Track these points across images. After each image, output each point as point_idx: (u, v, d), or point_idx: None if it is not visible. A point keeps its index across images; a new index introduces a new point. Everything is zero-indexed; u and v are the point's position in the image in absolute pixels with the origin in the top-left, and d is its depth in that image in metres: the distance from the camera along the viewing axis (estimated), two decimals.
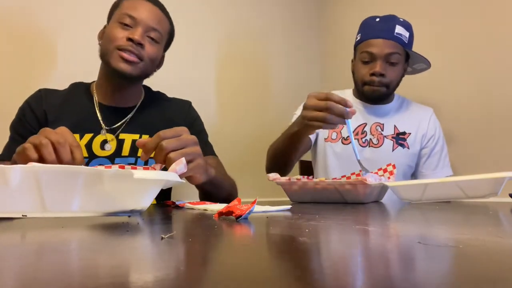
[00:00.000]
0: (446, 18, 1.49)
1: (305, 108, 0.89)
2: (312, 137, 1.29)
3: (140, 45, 0.93)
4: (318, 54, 2.04)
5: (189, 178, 0.70)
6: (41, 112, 0.98)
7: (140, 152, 0.98)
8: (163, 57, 1.05)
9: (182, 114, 1.08)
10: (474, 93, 1.39)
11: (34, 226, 0.40)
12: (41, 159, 0.62)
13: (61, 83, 1.08)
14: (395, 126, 1.27)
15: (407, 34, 1.21)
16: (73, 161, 0.63)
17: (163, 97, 1.11)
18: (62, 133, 0.65)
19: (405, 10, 1.57)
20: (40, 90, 1.02)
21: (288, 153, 1.10)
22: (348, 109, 0.83)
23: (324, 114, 0.85)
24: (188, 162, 0.66)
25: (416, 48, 1.24)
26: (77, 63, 1.40)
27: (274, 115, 1.82)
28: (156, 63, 1.01)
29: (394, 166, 0.89)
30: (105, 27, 1.01)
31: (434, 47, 1.48)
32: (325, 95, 0.86)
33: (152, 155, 0.66)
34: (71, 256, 0.26)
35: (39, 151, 0.62)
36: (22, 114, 0.99)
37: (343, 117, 0.84)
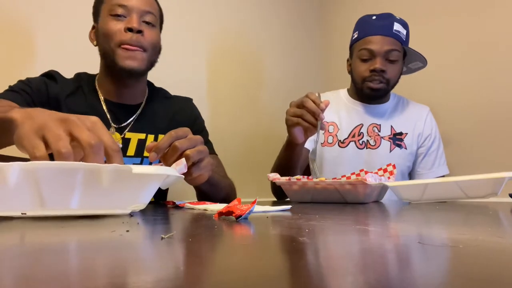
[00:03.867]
0: (443, 17, 1.49)
1: (289, 108, 0.97)
2: (310, 148, 1.28)
3: (140, 32, 0.90)
4: (316, 52, 2.03)
5: (194, 179, 0.70)
6: (54, 95, 0.91)
7: (146, 153, 0.98)
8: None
9: (186, 112, 1.08)
10: (471, 93, 1.39)
11: (33, 226, 0.39)
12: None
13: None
14: (391, 126, 1.26)
15: (404, 32, 1.21)
16: None
17: (166, 94, 1.11)
18: (96, 129, 0.48)
19: (402, 9, 1.58)
20: (52, 71, 0.97)
21: (289, 166, 1.09)
22: (321, 109, 0.91)
23: (301, 110, 0.92)
24: (199, 161, 0.68)
25: (413, 47, 1.25)
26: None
27: (272, 114, 1.82)
28: (158, 49, 0.98)
29: (394, 166, 0.89)
30: (94, 27, 0.98)
31: (432, 46, 1.48)
32: (305, 95, 0.93)
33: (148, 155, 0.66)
34: (70, 256, 0.26)
35: (58, 157, 0.45)
36: (33, 83, 0.90)
37: (315, 116, 0.91)
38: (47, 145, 0.46)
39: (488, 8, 1.36)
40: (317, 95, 0.93)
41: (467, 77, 1.40)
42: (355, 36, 1.24)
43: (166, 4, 1.54)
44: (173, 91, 1.15)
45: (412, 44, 1.26)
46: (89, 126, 0.48)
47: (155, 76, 1.14)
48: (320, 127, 0.92)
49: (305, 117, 0.91)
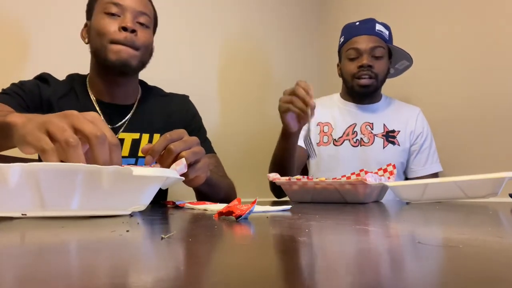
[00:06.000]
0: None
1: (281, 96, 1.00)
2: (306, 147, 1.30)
3: (134, 32, 0.90)
4: (318, 53, 2.04)
5: (191, 180, 0.69)
6: (47, 97, 0.92)
7: (140, 153, 0.97)
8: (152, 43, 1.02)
9: (182, 110, 1.07)
10: (466, 91, 1.39)
11: (34, 226, 0.39)
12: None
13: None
14: (384, 124, 1.30)
15: (387, 32, 1.27)
16: (109, 164, 0.49)
17: (160, 92, 1.09)
18: (97, 122, 0.49)
19: (399, 9, 1.58)
20: (45, 73, 0.97)
21: (284, 158, 1.10)
22: (310, 96, 0.93)
23: (291, 97, 0.95)
24: (196, 162, 0.67)
25: (405, 48, 1.28)
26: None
27: (275, 115, 1.82)
28: (150, 50, 0.98)
29: (394, 166, 0.89)
30: (86, 25, 0.97)
31: (427, 46, 1.49)
32: (296, 83, 0.96)
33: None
34: (71, 256, 0.26)
35: (65, 153, 0.45)
36: (26, 86, 0.91)
37: (305, 102, 0.93)
38: (52, 139, 0.47)
39: (479, 7, 1.35)
40: (310, 86, 0.96)
41: (462, 76, 1.40)
42: (342, 40, 1.31)
43: (177, 7, 1.56)
44: (183, 92, 1.14)
45: (404, 45, 1.29)
46: (90, 120, 0.49)
47: (166, 77, 1.14)
48: (311, 113, 0.94)
49: (296, 104, 0.94)
